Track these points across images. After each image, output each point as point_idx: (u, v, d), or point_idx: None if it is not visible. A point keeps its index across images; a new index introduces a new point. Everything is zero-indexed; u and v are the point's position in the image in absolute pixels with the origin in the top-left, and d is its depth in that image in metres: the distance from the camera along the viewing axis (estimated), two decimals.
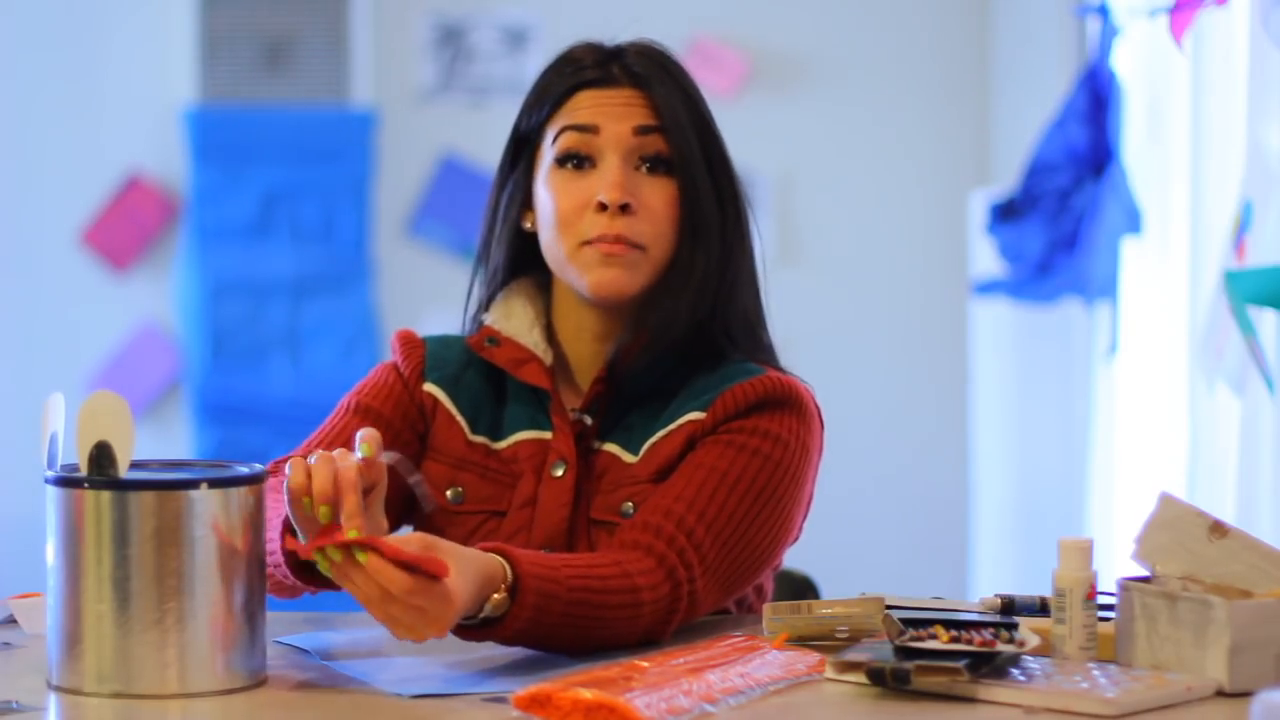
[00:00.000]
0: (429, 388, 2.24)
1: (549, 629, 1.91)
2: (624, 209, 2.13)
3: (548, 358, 2.20)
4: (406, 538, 1.80)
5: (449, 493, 2.20)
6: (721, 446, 2.11)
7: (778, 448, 2.11)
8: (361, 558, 1.75)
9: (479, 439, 2.22)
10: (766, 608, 1.98)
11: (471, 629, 1.89)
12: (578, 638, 1.94)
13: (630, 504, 2.13)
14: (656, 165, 2.16)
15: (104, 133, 5.35)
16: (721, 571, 2.06)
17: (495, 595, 1.86)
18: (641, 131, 2.15)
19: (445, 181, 5.42)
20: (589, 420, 2.18)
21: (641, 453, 2.15)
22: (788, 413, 2.13)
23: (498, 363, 2.20)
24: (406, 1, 5.40)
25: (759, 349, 2.22)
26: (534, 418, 2.21)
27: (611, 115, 2.16)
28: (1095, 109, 4.20)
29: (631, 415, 2.18)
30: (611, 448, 2.18)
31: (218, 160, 5.26)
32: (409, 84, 5.42)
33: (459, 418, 2.23)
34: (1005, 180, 4.82)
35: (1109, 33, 4.19)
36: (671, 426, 2.15)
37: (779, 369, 2.21)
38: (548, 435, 2.19)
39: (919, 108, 5.50)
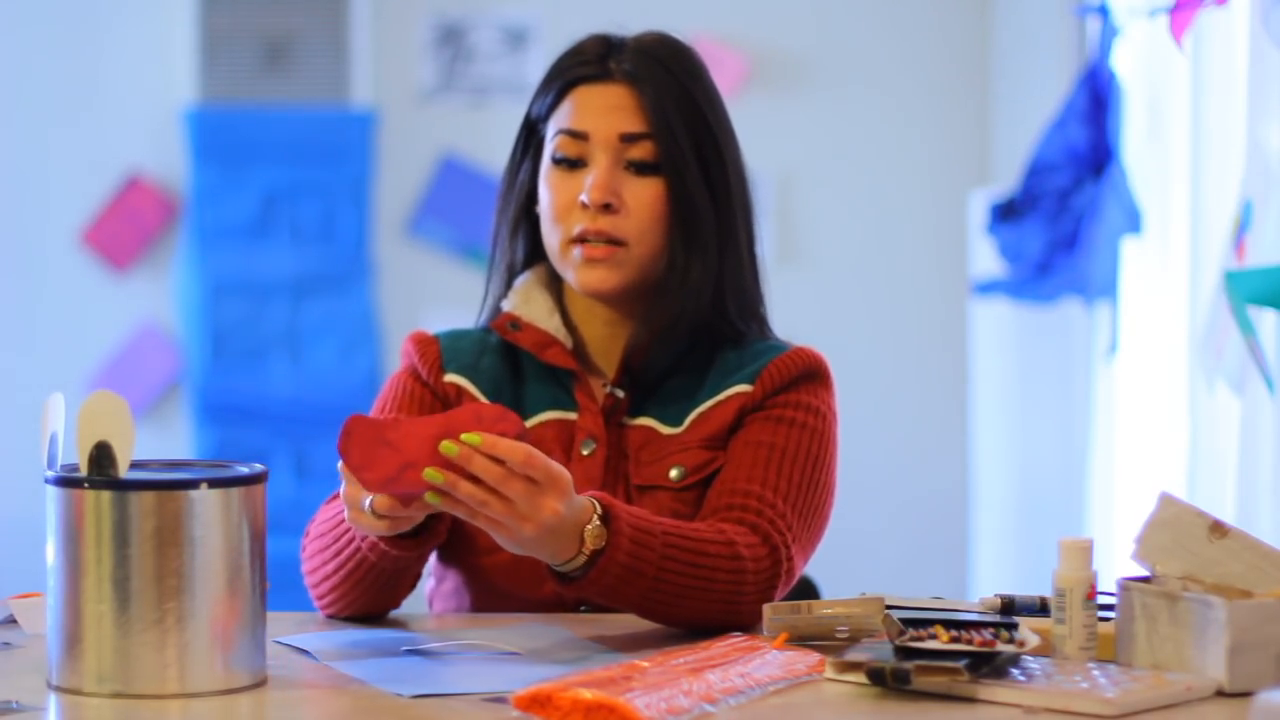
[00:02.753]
0: (450, 378, 2.29)
1: (651, 580, 1.99)
2: (605, 208, 2.22)
3: (568, 342, 2.28)
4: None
5: None
6: (772, 424, 2.21)
7: (817, 419, 2.23)
8: (476, 439, 1.85)
9: None
10: (766, 608, 1.98)
11: (572, 580, 1.97)
12: (681, 593, 2.01)
13: (679, 469, 2.21)
14: (643, 168, 2.24)
15: (104, 133, 5.35)
16: (804, 540, 2.17)
17: (589, 526, 1.95)
18: (627, 139, 2.23)
19: (445, 181, 5.42)
20: (621, 394, 2.25)
21: (687, 423, 2.24)
22: (819, 384, 2.26)
23: (523, 345, 2.28)
24: (406, 1, 5.40)
25: (765, 330, 2.32)
26: (557, 398, 2.28)
27: (601, 119, 2.23)
28: (1095, 109, 4.20)
29: (663, 392, 2.26)
30: (647, 421, 2.25)
31: (218, 160, 5.26)
32: (409, 84, 5.42)
33: (485, 401, 2.27)
34: (1005, 180, 4.82)
35: (1109, 33, 4.19)
36: (720, 397, 2.24)
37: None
38: (572, 416, 2.26)
39: (919, 108, 5.49)
